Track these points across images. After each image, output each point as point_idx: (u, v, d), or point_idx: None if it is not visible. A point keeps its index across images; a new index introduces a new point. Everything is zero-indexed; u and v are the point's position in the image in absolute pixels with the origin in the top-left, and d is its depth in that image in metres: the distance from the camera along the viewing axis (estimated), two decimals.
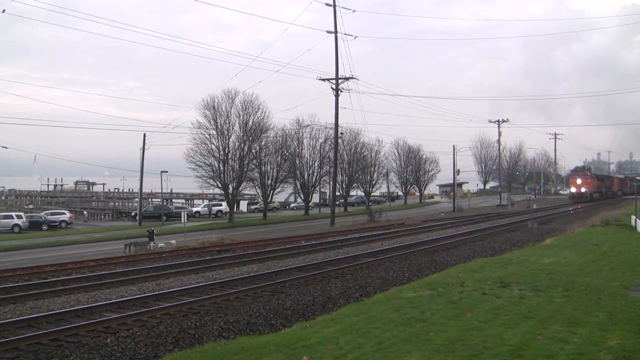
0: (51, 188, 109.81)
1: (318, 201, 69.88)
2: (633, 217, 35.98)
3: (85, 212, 70.56)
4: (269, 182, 57.51)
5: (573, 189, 75.79)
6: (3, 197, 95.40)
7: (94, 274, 19.86)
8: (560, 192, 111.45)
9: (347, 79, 43.10)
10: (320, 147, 63.60)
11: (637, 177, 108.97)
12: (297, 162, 62.55)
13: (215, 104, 50.10)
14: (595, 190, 78.53)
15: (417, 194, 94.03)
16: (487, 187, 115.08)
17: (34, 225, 48.33)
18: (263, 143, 54.71)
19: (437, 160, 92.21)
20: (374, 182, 76.18)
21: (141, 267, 21.25)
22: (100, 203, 78.21)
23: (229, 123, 50.64)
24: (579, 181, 75.34)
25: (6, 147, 45.00)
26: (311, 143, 64.00)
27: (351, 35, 67.57)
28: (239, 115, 51.37)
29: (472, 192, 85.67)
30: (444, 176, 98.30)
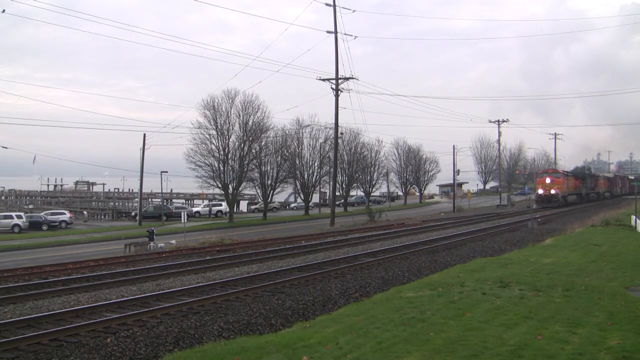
0: (51, 188, 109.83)
1: (318, 201, 69.92)
2: (633, 217, 35.96)
3: (85, 212, 70.57)
4: (269, 182, 57.53)
5: (540, 191, 62.64)
6: (3, 197, 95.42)
7: (94, 274, 19.85)
8: None
9: (347, 79, 43.14)
10: (320, 147, 63.65)
11: (629, 177, 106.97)
12: (297, 162, 62.58)
13: (215, 104, 50.18)
14: (571, 192, 65.93)
15: (417, 194, 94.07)
16: (487, 187, 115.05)
17: (34, 225, 48.33)
18: (263, 143, 54.75)
19: (437, 160, 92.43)
20: (374, 182, 76.27)
21: (141, 267, 21.23)
22: (100, 203, 78.23)
23: (229, 123, 50.70)
24: (547, 180, 62.17)
25: (6, 147, 45.10)
26: (311, 143, 64.14)
27: (351, 36, 67.83)
28: (239, 115, 51.42)
29: (472, 192, 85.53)
30: (444, 176, 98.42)
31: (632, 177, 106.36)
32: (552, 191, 61.05)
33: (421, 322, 10.31)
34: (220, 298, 14.81)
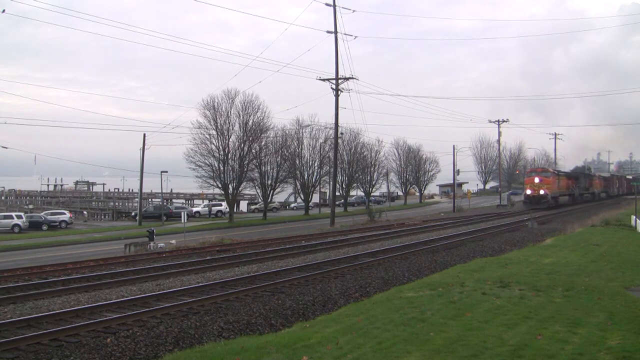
0: (51, 188, 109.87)
1: (318, 201, 69.94)
2: (633, 217, 35.97)
3: (85, 212, 70.60)
4: (269, 182, 57.54)
5: (528, 191, 58.61)
6: (3, 197, 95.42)
7: (94, 274, 19.85)
8: None
9: (347, 79, 43.14)
10: (320, 147, 63.67)
11: (627, 176, 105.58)
12: (297, 162, 62.60)
13: (215, 104, 50.20)
14: (563, 192, 61.94)
15: (417, 194, 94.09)
16: (487, 187, 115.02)
17: (34, 225, 48.34)
18: (263, 143, 54.77)
19: (437, 160, 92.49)
20: (374, 182, 76.29)
21: (141, 267, 21.23)
22: (100, 203, 78.24)
23: (229, 123, 50.73)
24: (536, 180, 57.95)
25: (6, 147, 45.17)
26: (311, 143, 64.17)
27: (351, 36, 67.97)
28: (239, 115, 51.45)
29: (472, 192, 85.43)
30: (444, 176, 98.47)
31: (630, 177, 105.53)
32: (541, 192, 57.12)
33: (421, 322, 10.30)
34: (220, 298, 14.81)
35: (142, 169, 52.11)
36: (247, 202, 78.02)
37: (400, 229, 38.18)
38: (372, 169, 74.29)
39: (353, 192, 78.81)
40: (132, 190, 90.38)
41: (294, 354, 8.69)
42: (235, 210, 58.21)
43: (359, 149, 70.58)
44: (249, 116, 51.84)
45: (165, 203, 66.95)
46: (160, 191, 62.54)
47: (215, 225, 49.38)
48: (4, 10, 33.30)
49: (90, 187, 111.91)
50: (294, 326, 11.94)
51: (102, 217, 69.71)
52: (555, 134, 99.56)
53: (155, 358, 10.65)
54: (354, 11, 47.77)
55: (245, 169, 52.39)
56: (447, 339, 9.01)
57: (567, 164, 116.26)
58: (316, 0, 41.03)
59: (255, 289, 15.90)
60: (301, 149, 63.29)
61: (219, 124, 50.11)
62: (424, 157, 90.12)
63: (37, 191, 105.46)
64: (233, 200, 54.74)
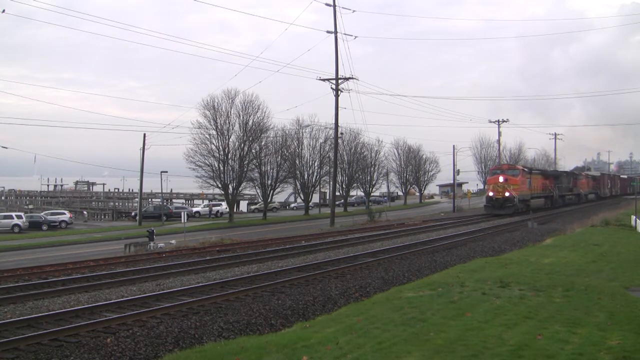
0: (51, 188, 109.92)
1: (318, 201, 69.90)
2: (633, 217, 35.96)
3: (85, 212, 70.57)
4: (269, 182, 57.52)
5: (490, 193, 48.52)
6: (3, 197, 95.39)
7: (94, 274, 19.85)
8: None
9: (347, 79, 43.12)
10: (320, 147, 63.65)
11: (621, 176, 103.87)
12: (297, 162, 62.58)
13: (215, 104, 50.18)
14: (537, 194, 52.38)
15: (417, 194, 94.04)
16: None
17: (34, 225, 48.33)
18: (263, 143, 54.74)
19: (437, 160, 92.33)
20: (374, 182, 76.27)
21: (141, 267, 21.22)
22: (100, 203, 78.28)
23: (229, 123, 50.70)
24: (501, 179, 47.77)
25: (6, 147, 45.15)
26: (311, 143, 64.14)
27: (351, 36, 68.07)
28: (239, 115, 51.43)
29: (472, 192, 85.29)
30: (444, 176, 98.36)
31: (625, 177, 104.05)
32: (507, 194, 47.00)
33: (421, 322, 10.31)
34: (220, 298, 14.81)
35: (142, 169, 52.11)
36: (247, 202, 78.00)
37: (400, 229, 38.17)
38: (372, 169, 74.29)
39: (353, 192, 78.81)
40: (132, 190, 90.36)
41: (294, 354, 8.69)
42: (235, 210, 58.19)
43: (359, 149, 70.60)
44: (249, 116, 51.86)
45: (165, 203, 66.91)
46: (160, 191, 62.52)
47: (215, 225, 49.38)
48: (4, 11, 33.34)
49: (90, 187, 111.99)
50: (294, 326, 11.94)
51: (102, 217, 69.70)
52: (555, 134, 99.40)
53: (155, 358, 10.65)
54: (354, 11, 47.77)
55: (245, 169, 52.39)
56: (447, 339, 9.01)
57: (567, 164, 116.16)
58: (316, 0, 41.08)
59: (255, 289, 15.90)
60: (301, 149, 63.30)
61: (219, 124, 50.11)
62: (424, 157, 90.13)
63: (37, 191, 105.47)
64: (233, 200, 54.73)
